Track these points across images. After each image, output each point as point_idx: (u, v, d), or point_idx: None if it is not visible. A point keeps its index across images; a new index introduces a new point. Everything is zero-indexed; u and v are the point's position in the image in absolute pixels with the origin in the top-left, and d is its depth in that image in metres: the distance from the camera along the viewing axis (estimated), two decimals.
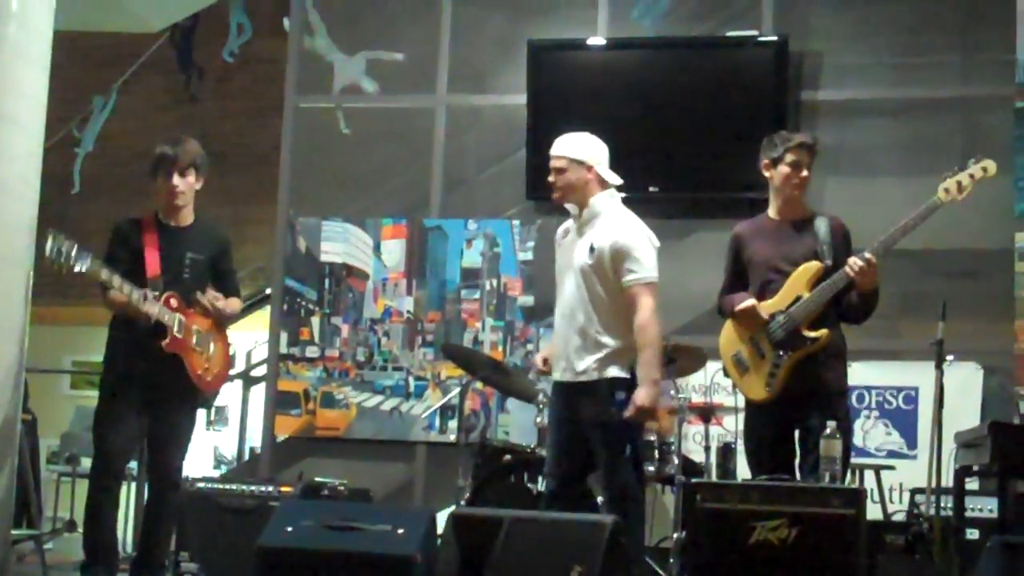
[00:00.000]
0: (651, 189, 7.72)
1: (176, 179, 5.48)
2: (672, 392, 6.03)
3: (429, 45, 8.38)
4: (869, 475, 6.84)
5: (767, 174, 5.32)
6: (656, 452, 6.02)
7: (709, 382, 6.57)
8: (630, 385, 5.02)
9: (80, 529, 7.76)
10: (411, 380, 8.08)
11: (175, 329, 5.40)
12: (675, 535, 5.58)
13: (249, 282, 10.59)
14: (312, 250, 8.30)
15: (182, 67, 12.42)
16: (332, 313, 8.24)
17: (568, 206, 5.31)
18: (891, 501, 6.96)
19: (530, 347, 7.87)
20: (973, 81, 7.74)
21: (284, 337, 8.28)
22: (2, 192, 5.35)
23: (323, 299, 8.26)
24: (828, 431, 4.82)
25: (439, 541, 4.70)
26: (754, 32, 7.90)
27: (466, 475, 6.08)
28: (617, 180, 5.26)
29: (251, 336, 9.96)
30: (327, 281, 8.27)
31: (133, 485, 7.57)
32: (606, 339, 5.10)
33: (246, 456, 10.02)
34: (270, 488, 6.20)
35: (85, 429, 8.70)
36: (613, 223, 5.17)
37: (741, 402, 5.44)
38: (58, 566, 6.96)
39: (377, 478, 7.67)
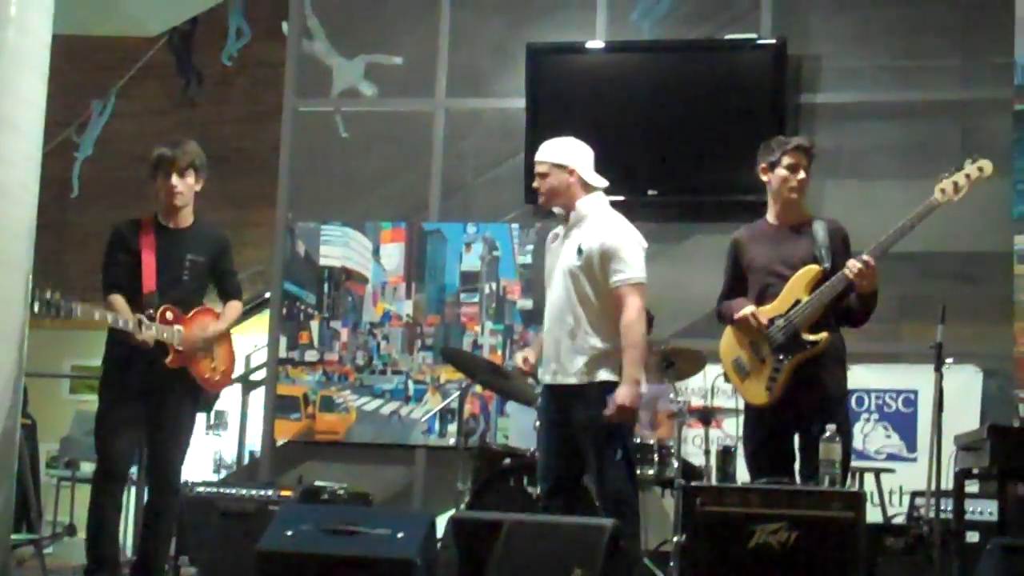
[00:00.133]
0: (650, 193, 7.73)
1: (175, 179, 5.49)
2: (672, 396, 6.03)
3: (428, 49, 8.39)
4: (869, 478, 6.84)
5: (764, 178, 5.32)
6: (656, 455, 6.02)
7: (709, 386, 6.56)
8: None
9: (80, 534, 7.76)
10: (410, 384, 8.08)
11: (176, 344, 5.42)
12: (675, 538, 5.58)
13: (248, 286, 10.56)
14: (311, 254, 8.30)
15: (181, 71, 12.41)
16: (331, 317, 8.24)
17: (555, 210, 5.33)
18: (891, 504, 6.96)
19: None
20: (972, 84, 7.74)
21: (283, 341, 8.28)
22: (1, 196, 5.35)
23: (322, 303, 8.26)
24: (827, 434, 4.82)
25: (439, 545, 4.70)
26: (753, 35, 7.90)
27: (466, 479, 6.08)
28: (602, 183, 5.28)
29: (250, 340, 9.96)
30: (326, 285, 8.27)
31: (133, 489, 7.57)
32: (595, 341, 5.11)
33: (246, 460, 10.01)
34: (270, 492, 6.20)
35: (84, 433, 8.71)
36: (600, 225, 5.19)
37: (741, 405, 5.44)
38: (58, 571, 6.95)
39: (377, 482, 7.67)
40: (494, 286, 8.06)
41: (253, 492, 6.22)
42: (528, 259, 8.00)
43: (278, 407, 8.25)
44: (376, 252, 8.23)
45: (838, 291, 5.09)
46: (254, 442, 9.48)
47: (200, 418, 5.78)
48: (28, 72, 5.51)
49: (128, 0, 9.20)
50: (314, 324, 8.25)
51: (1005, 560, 4.41)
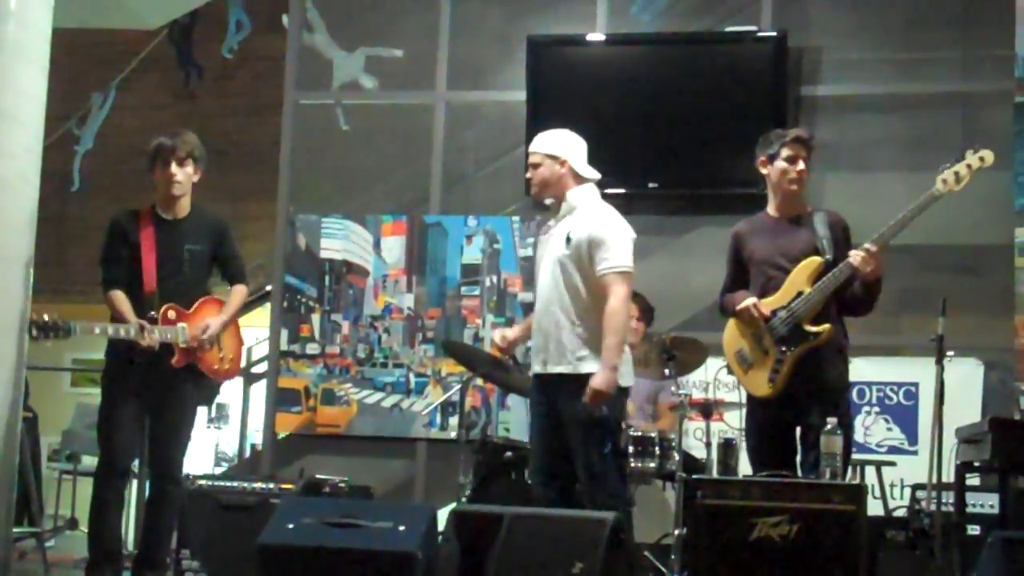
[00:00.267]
0: (650, 185, 7.72)
1: (174, 167, 5.49)
2: (673, 389, 6.03)
3: (428, 41, 8.37)
4: (870, 471, 6.85)
5: (764, 171, 5.32)
6: (657, 448, 6.02)
7: (710, 378, 6.56)
8: None
9: (81, 527, 7.77)
10: (412, 377, 8.08)
11: (180, 343, 5.42)
12: (676, 531, 5.58)
13: (249, 279, 10.58)
14: (312, 247, 8.30)
15: (181, 64, 12.39)
16: (332, 310, 8.23)
17: (547, 202, 5.35)
18: (892, 497, 6.97)
19: (530, 343, 7.84)
20: (973, 76, 7.73)
21: (284, 334, 8.28)
22: (2, 189, 5.36)
23: (323, 296, 8.26)
24: (829, 427, 4.82)
25: (440, 538, 4.70)
26: (753, 27, 7.89)
27: (467, 472, 6.08)
28: (594, 175, 5.30)
29: (252, 333, 9.91)
30: (327, 278, 8.26)
31: (135, 482, 7.57)
32: (581, 331, 5.12)
33: (247, 453, 10.02)
34: (271, 485, 6.20)
35: (86, 427, 8.70)
36: (590, 215, 5.21)
37: (742, 398, 5.44)
38: (59, 564, 6.97)
39: (378, 475, 7.66)
40: (495, 279, 8.06)
41: (254, 485, 6.21)
42: (529, 252, 7.98)
43: (279, 400, 8.25)
44: (377, 245, 8.23)
45: (841, 281, 5.09)
46: (255, 435, 9.49)
47: (201, 411, 5.78)
48: (28, 65, 5.52)
49: None
50: (315, 317, 8.24)
51: (1006, 553, 4.41)
